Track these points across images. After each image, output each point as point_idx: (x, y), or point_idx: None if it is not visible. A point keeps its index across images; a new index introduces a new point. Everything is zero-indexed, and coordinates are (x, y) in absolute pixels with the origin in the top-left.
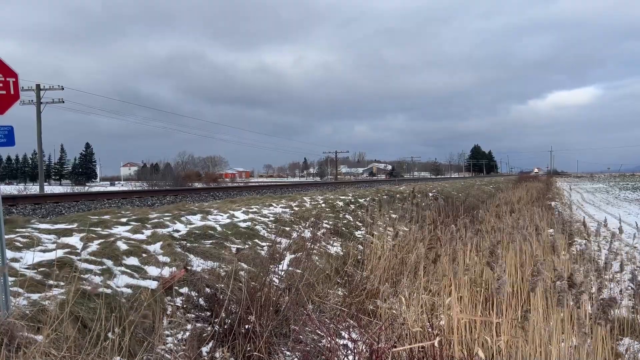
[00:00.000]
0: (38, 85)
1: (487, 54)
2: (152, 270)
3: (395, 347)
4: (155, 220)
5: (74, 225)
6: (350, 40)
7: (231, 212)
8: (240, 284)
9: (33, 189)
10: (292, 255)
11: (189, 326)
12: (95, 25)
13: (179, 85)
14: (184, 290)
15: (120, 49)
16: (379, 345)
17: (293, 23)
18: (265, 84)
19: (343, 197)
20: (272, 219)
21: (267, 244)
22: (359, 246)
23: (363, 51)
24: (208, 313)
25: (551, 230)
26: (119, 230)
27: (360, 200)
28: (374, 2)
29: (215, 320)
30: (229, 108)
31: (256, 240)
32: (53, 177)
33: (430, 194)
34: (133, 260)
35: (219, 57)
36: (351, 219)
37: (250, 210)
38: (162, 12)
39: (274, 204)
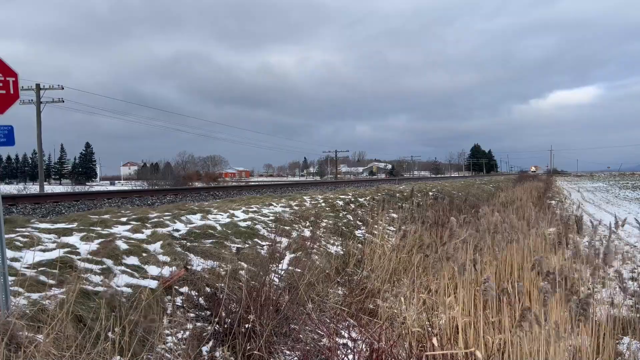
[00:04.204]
0: (38, 85)
1: (489, 54)
2: (152, 270)
3: (395, 346)
4: (155, 219)
5: (74, 225)
6: (355, 40)
7: (231, 211)
8: (240, 283)
9: (33, 188)
10: (292, 255)
11: (189, 325)
12: (102, 26)
13: (183, 86)
14: (184, 289)
15: (126, 49)
16: (379, 345)
17: (299, 24)
18: (269, 84)
19: (343, 197)
20: (272, 218)
21: (267, 243)
22: (359, 245)
23: (367, 52)
24: (208, 312)
25: (552, 230)
26: (119, 229)
27: (360, 199)
28: (380, 3)
29: (215, 320)
30: (232, 108)
31: (256, 240)
32: (53, 177)
33: (430, 193)
34: (133, 260)
35: (224, 58)
36: (351, 218)
37: (250, 209)
38: (169, 13)
39: (274, 203)
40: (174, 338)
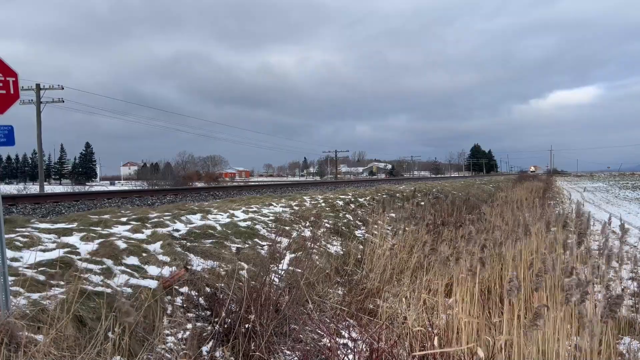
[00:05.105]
0: (38, 85)
1: (489, 54)
2: (152, 270)
3: (395, 346)
4: (155, 219)
5: (74, 225)
6: (355, 40)
7: (231, 211)
8: (241, 283)
9: (33, 188)
10: (292, 255)
11: (189, 325)
12: (102, 26)
13: (183, 86)
14: (184, 289)
15: (126, 49)
16: (379, 345)
17: (299, 24)
18: (269, 84)
19: (343, 197)
20: (272, 218)
21: (267, 243)
22: (359, 245)
23: (367, 52)
24: (208, 312)
25: (553, 229)
26: (119, 229)
27: (360, 199)
28: (380, 3)
29: (216, 320)
30: (232, 108)
31: (256, 240)
32: (53, 177)
33: (430, 193)
34: (133, 260)
35: (224, 58)
36: (351, 218)
37: (250, 209)
38: (169, 13)
39: (274, 203)
40: (174, 338)
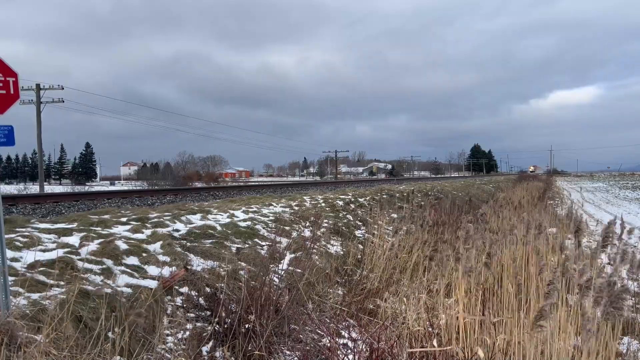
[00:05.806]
0: (38, 85)
1: (489, 54)
2: (152, 270)
3: (395, 346)
4: (155, 219)
5: (74, 225)
6: (355, 40)
7: (231, 211)
8: (240, 284)
9: (33, 188)
10: (292, 255)
11: (189, 326)
12: (102, 26)
13: (183, 86)
14: (184, 289)
15: (126, 49)
16: (379, 345)
17: (299, 24)
18: (269, 84)
19: (343, 197)
20: (272, 218)
21: (267, 243)
22: (359, 245)
23: (367, 52)
24: (208, 312)
25: (553, 230)
26: (119, 229)
27: (360, 199)
28: (380, 3)
29: (216, 320)
30: (232, 108)
31: (256, 240)
32: (53, 177)
33: (431, 194)
34: (133, 260)
35: (224, 58)
36: (351, 218)
37: (250, 209)
38: (169, 13)
39: (273, 204)
40: (174, 338)
